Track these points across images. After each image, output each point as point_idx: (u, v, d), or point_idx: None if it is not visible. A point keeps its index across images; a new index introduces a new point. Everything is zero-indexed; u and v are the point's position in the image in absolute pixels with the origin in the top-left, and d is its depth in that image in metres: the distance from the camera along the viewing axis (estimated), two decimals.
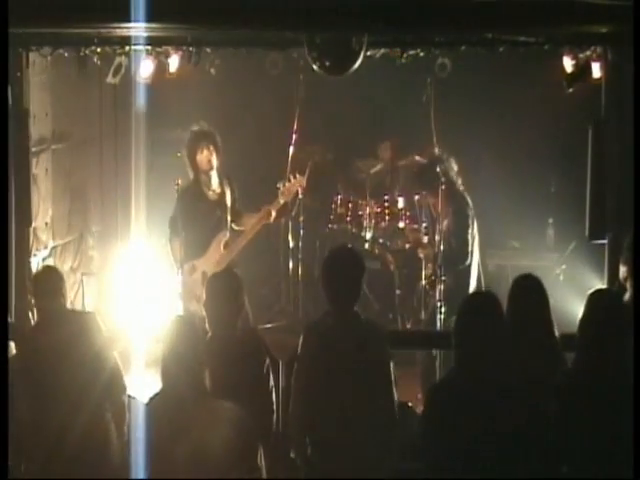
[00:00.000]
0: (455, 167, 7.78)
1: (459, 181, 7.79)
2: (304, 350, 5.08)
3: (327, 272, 5.16)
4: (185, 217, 7.57)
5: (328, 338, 5.01)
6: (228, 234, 7.77)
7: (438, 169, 7.81)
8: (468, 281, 7.72)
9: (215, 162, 7.73)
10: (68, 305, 5.85)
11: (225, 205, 7.78)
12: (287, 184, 7.97)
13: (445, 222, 7.73)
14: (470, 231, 7.67)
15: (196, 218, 7.64)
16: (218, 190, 7.79)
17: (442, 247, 7.62)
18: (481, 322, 4.45)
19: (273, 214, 7.86)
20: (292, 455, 5.09)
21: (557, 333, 5.29)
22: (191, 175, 7.79)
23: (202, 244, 7.70)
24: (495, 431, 4.34)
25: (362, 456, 4.90)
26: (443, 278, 7.77)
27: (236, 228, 7.83)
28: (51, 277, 5.65)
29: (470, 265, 7.70)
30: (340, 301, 5.08)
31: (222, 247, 7.71)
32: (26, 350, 5.58)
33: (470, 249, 7.67)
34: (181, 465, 4.51)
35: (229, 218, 7.80)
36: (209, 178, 7.75)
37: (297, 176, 8.09)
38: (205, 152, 7.70)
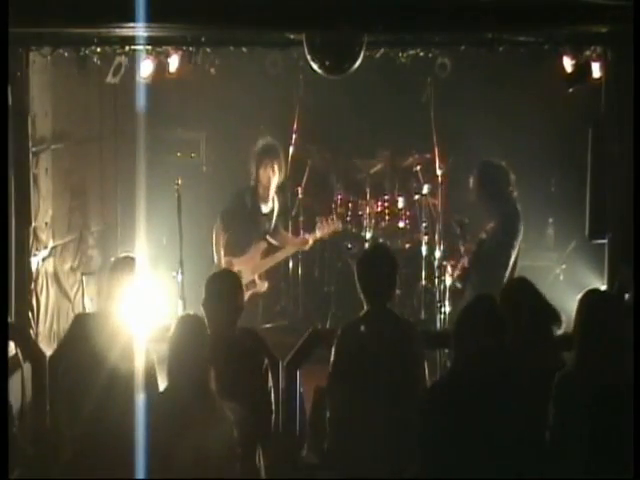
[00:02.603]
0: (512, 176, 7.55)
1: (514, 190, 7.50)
2: (340, 347, 5.17)
3: (362, 269, 5.32)
4: (235, 218, 8.09)
5: (364, 335, 5.10)
6: (267, 245, 8.27)
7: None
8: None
9: (275, 180, 8.26)
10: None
11: (271, 218, 8.33)
12: (325, 222, 8.64)
13: (491, 224, 7.40)
14: (516, 245, 7.31)
15: (245, 222, 8.15)
16: (270, 205, 8.32)
17: (482, 251, 7.30)
18: (478, 324, 4.49)
19: (310, 243, 8.56)
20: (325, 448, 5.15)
21: (557, 332, 5.30)
22: (252, 182, 8.25)
23: (242, 247, 8.15)
24: (493, 431, 4.35)
25: (392, 450, 4.96)
26: (443, 278, 7.77)
27: (271, 241, 8.17)
28: None
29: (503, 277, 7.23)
30: (374, 297, 5.22)
31: (260, 255, 8.18)
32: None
33: (510, 265, 7.28)
34: (184, 463, 4.51)
35: (271, 230, 8.33)
36: (267, 192, 8.24)
37: (335, 219, 8.78)
38: (268, 168, 8.20)
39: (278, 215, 8.44)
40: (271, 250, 8.28)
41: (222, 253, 8.05)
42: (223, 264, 7.96)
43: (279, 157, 8.30)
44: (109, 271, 5.78)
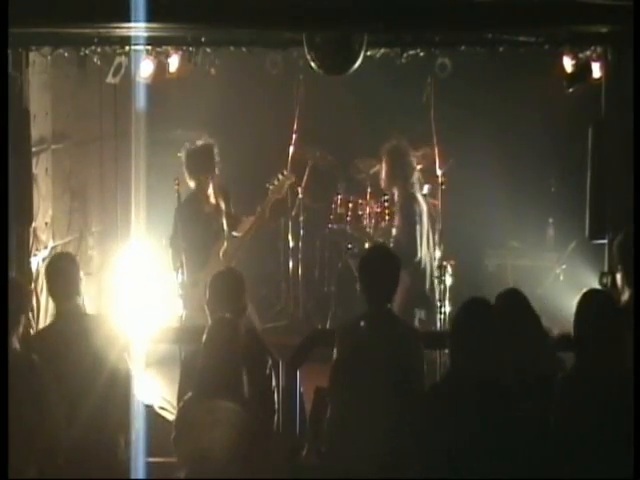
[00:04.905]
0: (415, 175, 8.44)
1: (414, 186, 8.39)
2: (341, 347, 5.17)
3: (363, 270, 5.32)
4: (184, 233, 7.66)
5: (364, 335, 5.10)
6: (226, 243, 7.87)
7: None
8: (424, 274, 8.20)
9: (209, 180, 7.86)
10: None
11: (221, 215, 7.91)
12: (276, 182, 8.05)
13: (396, 221, 8.33)
14: (418, 228, 8.15)
15: (195, 232, 7.74)
16: (213, 202, 7.93)
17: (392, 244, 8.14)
18: (474, 326, 4.51)
19: (267, 213, 7.99)
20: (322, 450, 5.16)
21: (553, 333, 5.29)
22: (192, 187, 7.88)
23: (203, 257, 7.79)
24: (492, 431, 4.35)
25: (391, 453, 4.96)
26: (443, 278, 7.77)
27: (236, 234, 7.92)
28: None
29: (421, 259, 8.18)
30: (375, 298, 5.22)
31: (221, 256, 7.79)
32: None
33: (418, 245, 8.13)
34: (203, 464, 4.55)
35: (225, 227, 7.92)
36: (204, 192, 7.87)
37: (285, 172, 8.28)
38: (200, 172, 7.82)
39: (231, 206, 7.99)
40: (232, 244, 7.91)
41: (185, 273, 7.60)
42: (190, 285, 7.58)
43: (208, 156, 7.86)
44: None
